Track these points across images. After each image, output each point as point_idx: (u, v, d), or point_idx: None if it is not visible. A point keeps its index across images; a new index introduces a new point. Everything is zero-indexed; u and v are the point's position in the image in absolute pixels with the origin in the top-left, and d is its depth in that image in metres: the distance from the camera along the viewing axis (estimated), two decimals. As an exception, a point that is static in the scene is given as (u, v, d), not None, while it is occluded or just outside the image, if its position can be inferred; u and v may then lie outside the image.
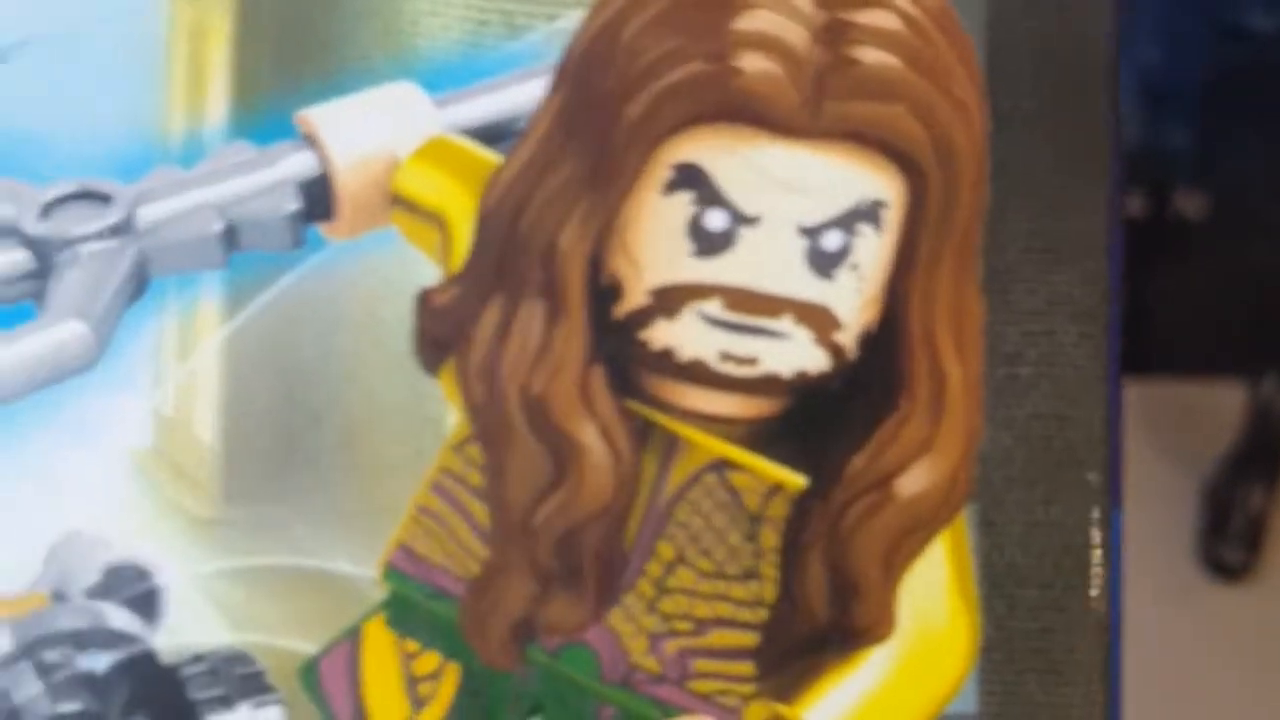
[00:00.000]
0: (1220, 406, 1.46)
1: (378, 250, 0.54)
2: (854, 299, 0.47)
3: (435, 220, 0.52)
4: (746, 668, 0.48)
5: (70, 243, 0.53)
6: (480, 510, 0.49)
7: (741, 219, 0.46)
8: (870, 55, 0.46)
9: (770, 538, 0.48)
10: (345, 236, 0.54)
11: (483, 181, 0.48)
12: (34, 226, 0.53)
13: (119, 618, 0.54)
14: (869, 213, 0.47)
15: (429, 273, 0.52)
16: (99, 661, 0.54)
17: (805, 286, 0.46)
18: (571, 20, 0.48)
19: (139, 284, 0.53)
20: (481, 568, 0.49)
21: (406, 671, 0.51)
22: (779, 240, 0.46)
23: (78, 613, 0.54)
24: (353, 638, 0.52)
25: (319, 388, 0.56)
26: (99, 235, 0.53)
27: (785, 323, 0.47)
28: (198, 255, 0.53)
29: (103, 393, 0.54)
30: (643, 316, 0.47)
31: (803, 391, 0.48)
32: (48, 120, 0.55)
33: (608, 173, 0.46)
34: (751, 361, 0.47)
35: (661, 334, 0.47)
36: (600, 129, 0.46)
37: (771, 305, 0.46)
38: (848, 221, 0.46)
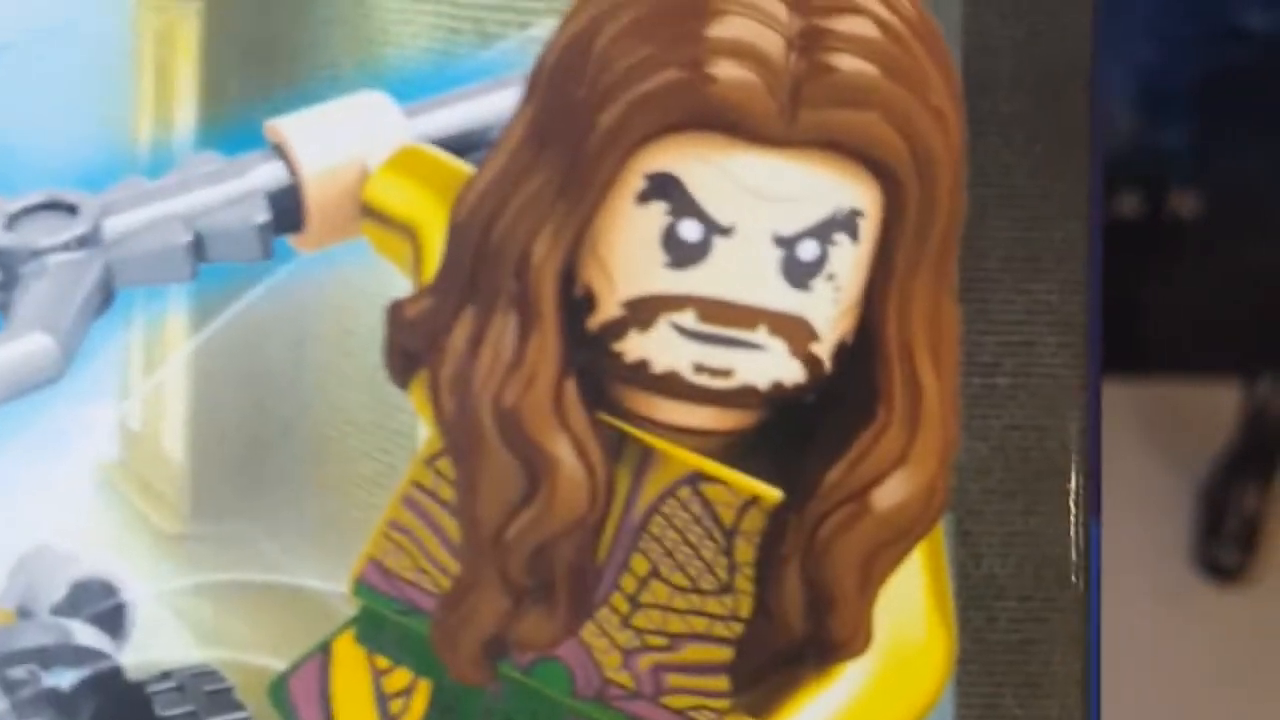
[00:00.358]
0: (1215, 407, 1.46)
1: (348, 261, 0.54)
2: (830, 309, 0.46)
3: (406, 231, 0.52)
4: (721, 683, 0.48)
5: (36, 254, 0.53)
6: (452, 525, 0.49)
7: (716, 229, 0.46)
8: (846, 63, 0.45)
9: (745, 551, 0.48)
10: (314, 248, 0.54)
11: (454, 192, 0.48)
12: (0, 237, 0.53)
13: (85, 634, 0.54)
14: (845, 222, 0.46)
15: (400, 284, 0.51)
16: (65, 678, 0.53)
17: (781, 297, 0.46)
18: (544, 28, 0.48)
19: (106, 296, 0.53)
20: (453, 583, 0.48)
21: (377, 688, 0.51)
22: (754, 250, 0.46)
23: (43, 629, 0.54)
24: (323, 654, 0.51)
25: (288, 401, 0.56)
26: (66, 246, 0.53)
27: (760, 334, 0.46)
28: (165, 267, 0.53)
29: (69, 405, 0.54)
30: (616, 328, 0.46)
31: (778, 403, 0.47)
32: (14, 130, 0.55)
33: (581, 182, 0.46)
34: (726, 373, 0.46)
35: (635, 346, 0.46)
36: (573, 138, 0.46)
37: (746, 316, 0.46)
38: (824, 231, 0.46)
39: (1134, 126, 1.41)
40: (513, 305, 0.46)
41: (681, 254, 0.46)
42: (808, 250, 0.46)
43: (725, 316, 0.46)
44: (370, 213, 0.53)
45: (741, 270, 0.46)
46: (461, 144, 0.54)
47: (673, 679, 0.48)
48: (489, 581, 0.47)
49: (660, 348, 0.46)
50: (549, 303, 0.46)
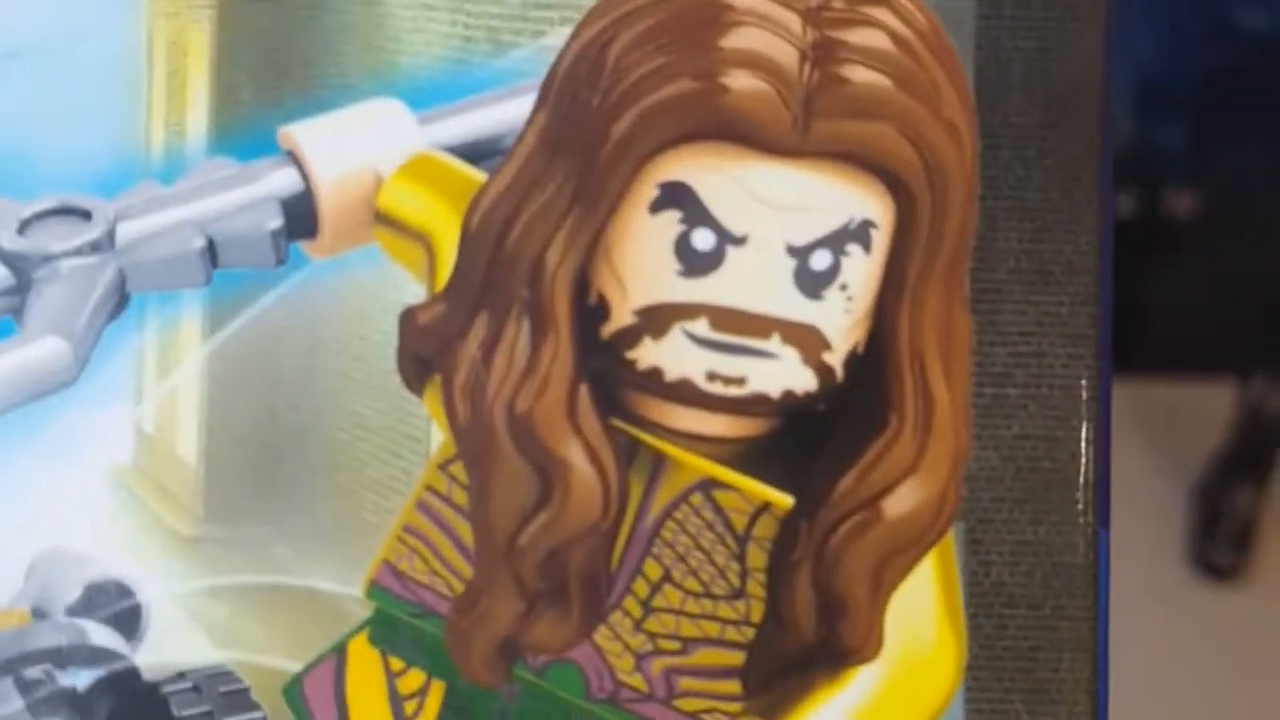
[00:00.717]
0: (1210, 406, 1.46)
1: (361, 268, 0.54)
2: (842, 319, 0.47)
3: (420, 238, 0.52)
4: (733, 687, 0.48)
5: (49, 259, 0.53)
6: (465, 529, 0.49)
7: (729, 238, 0.46)
8: (860, 74, 0.45)
9: (757, 557, 0.48)
10: (327, 254, 0.54)
11: (467, 199, 0.48)
12: (12, 242, 0.53)
13: (100, 635, 0.54)
14: (858, 233, 0.46)
15: (413, 290, 0.52)
16: (80, 679, 0.54)
17: (793, 306, 0.46)
18: (558, 37, 0.48)
19: (119, 300, 0.53)
20: (466, 586, 0.49)
21: (392, 689, 0.51)
22: (767, 260, 0.46)
23: (59, 630, 0.54)
24: (338, 655, 0.52)
25: (302, 406, 0.56)
26: (78, 251, 0.53)
27: (773, 343, 0.46)
28: (179, 272, 0.53)
29: (83, 409, 0.54)
30: (630, 336, 0.47)
31: (790, 411, 0.47)
32: (27, 136, 0.55)
33: (594, 191, 0.46)
34: (739, 381, 0.47)
35: (648, 353, 0.47)
36: (586, 147, 0.46)
37: (759, 325, 0.46)
38: (836, 241, 0.46)
39: (1130, 126, 1.41)
40: (526, 312, 0.47)
41: (694, 263, 0.46)
42: (820, 260, 0.46)
43: (738, 325, 0.46)
44: (383, 219, 0.53)
45: (754, 279, 0.46)
46: (475, 151, 0.54)
47: (685, 682, 0.49)
48: (503, 585, 0.47)
49: (673, 356, 0.47)
50: (562, 310, 0.47)
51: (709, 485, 0.48)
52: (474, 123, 0.54)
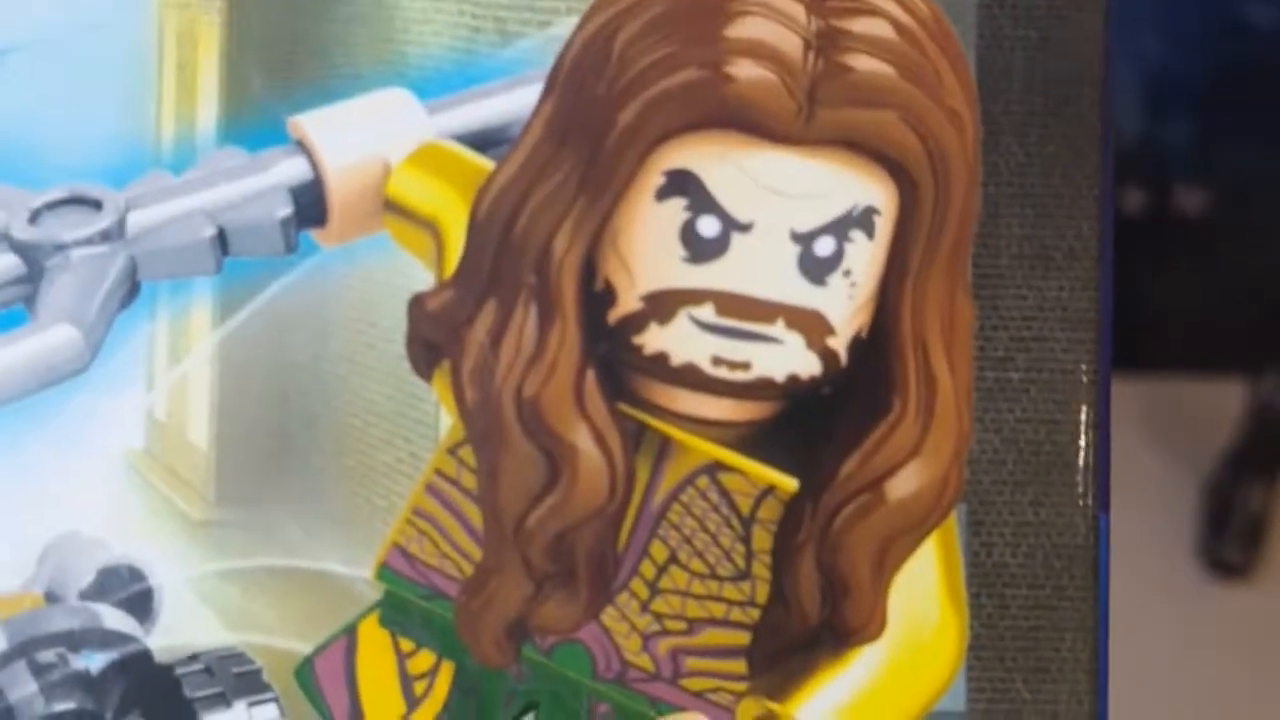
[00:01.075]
0: (1220, 404, 1.46)
1: (370, 255, 0.54)
2: (846, 304, 0.47)
3: (428, 226, 0.52)
4: (739, 666, 0.49)
5: (61, 247, 0.53)
6: (474, 512, 0.49)
7: (734, 225, 0.47)
8: (863, 63, 0.46)
9: (762, 539, 0.48)
10: (336, 242, 0.54)
11: (475, 187, 0.49)
12: (23, 231, 0.53)
13: (114, 618, 0.54)
14: (861, 219, 0.47)
15: (422, 278, 0.52)
16: (94, 661, 0.54)
17: (797, 292, 0.47)
18: (564, 27, 0.48)
19: (130, 289, 0.53)
20: (475, 568, 0.49)
21: (402, 670, 0.51)
22: (771, 246, 0.47)
23: (72, 613, 0.54)
24: (348, 637, 0.52)
25: (312, 391, 0.56)
26: (89, 240, 0.53)
27: (777, 328, 0.47)
28: (190, 260, 0.53)
29: (95, 396, 0.54)
30: (636, 321, 0.47)
31: (795, 395, 0.48)
32: (38, 126, 0.55)
33: (600, 179, 0.47)
34: (744, 366, 0.47)
35: (654, 338, 0.47)
36: (593, 135, 0.46)
37: (764, 310, 0.47)
38: (840, 228, 0.47)
39: (1139, 122, 1.41)
40: (533, 298, 0.47)
41: (700, 249, 0.47)
42: (824, 246, 0.47)
43: (743, 310, 0.47)
44: (392, 207, 0.54)
45: (759, 265, 0.47)
46: (482, 140, 0.54)
47: (691, 662, 0.49)
48: (511, 567, 0.48)
49: (679, 341, 0.47)
50: (569, 296, 0.47)
51: (714, 468, 0.48)
52: (481, 112, 0.55)
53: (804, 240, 0.47)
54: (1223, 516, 1.42)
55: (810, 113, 0.46)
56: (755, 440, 0.48)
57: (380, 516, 0.52)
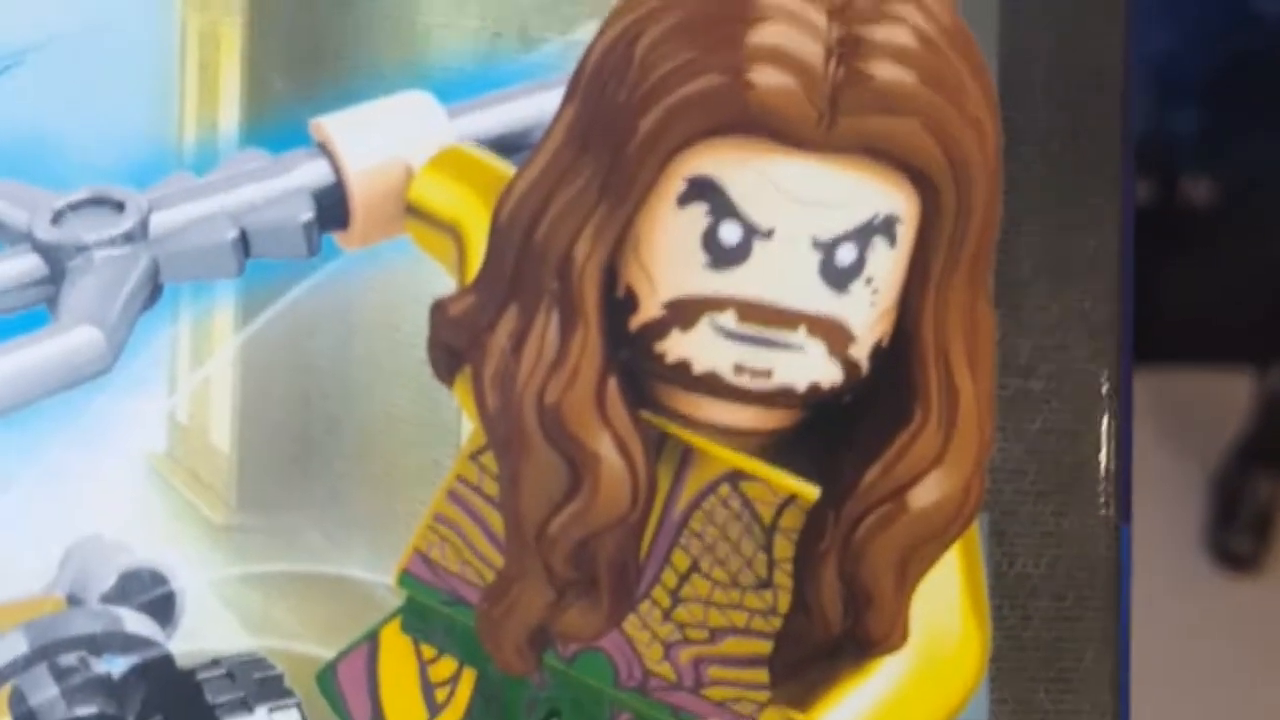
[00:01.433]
0: (1228, 396, 1.46)
1: (393, 259, 0.55)
2: (868, 312, 0.47)
3: (450, 230, 0.53)
4: (760, 675, 0.49)
5: (83, 249, 0.53)
6: (496, 518, 0.49)
7: (756, 232, 0.47)
8: (884, 70, 0.46)
9: (784, 548, 0.48)
10: (358, 245, 0.54)
11: (497, 192, 0.49)
12: (46, 232, 0.54)
13: (135, 622, 0.54)
14: (883, 227, 0.47)
15: (444, 282, 0.52)
16: (115, 665, 0.54)
17: (819, 300, 0.47)
18: (586, 32, 0.48)
19: (153, 290, 0.54)
20: (497, 575, 0.49)
21: (423, 676, 0.52)
22: (793, 253, 0.47)
23: (94, 617, 0.54)
24: (370, 643, 0.52)
25: (334, 395, 0.56)
26: (112, 242, 0.53)
27: (799, 335, 0.47)
28: (212, 262, 0.54)
29: (117, 398, 0.54)
30: (658, 328, 0.47)
31: (816, 404, 0.48)
32: (61, 127, 0.55)
33: (622, 185, 0.47)
34: (766, 374, 0.47)
35: (676, 346, 0.47)
36: (615, 141, 0.46)
37: (785, 318, 0.47)
38: (862, 236, 0.47)
39: (1147, 114, 1.40)
40: (555, 304, 0.47)
41: (722, 256, 0.47)
42: (846, 254, 0.47)
43: (765, 318, 0.47)
44: (414, 211, 0.54)
45: (781, 273, 0.47)
46: (504, 145, 0.54)
47: (713, 671, 0.49)
48: (533, 574, 0.48)
49: (701, 348, 0.47)
50: (591, 302, 0.47)
51: (736, 477, 0.49)
52: (503, 116, 0.55)
53: (826, 248, 0.47)
54: (1231, 508, 1.42)
55: (832, 120, 0.46)
56: (777, 449, 0.48)
57: (402, 522, 0.52)
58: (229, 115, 0.57)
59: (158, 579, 0.55)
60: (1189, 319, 1.43)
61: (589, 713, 0.50)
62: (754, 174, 0.46)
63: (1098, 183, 0.54)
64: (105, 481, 0.55)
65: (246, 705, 0.53)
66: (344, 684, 0.52)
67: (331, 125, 0.54)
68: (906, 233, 0.47)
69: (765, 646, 0.49)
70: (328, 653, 0.52)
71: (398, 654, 0.52)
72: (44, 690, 0.54)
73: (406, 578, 0.51)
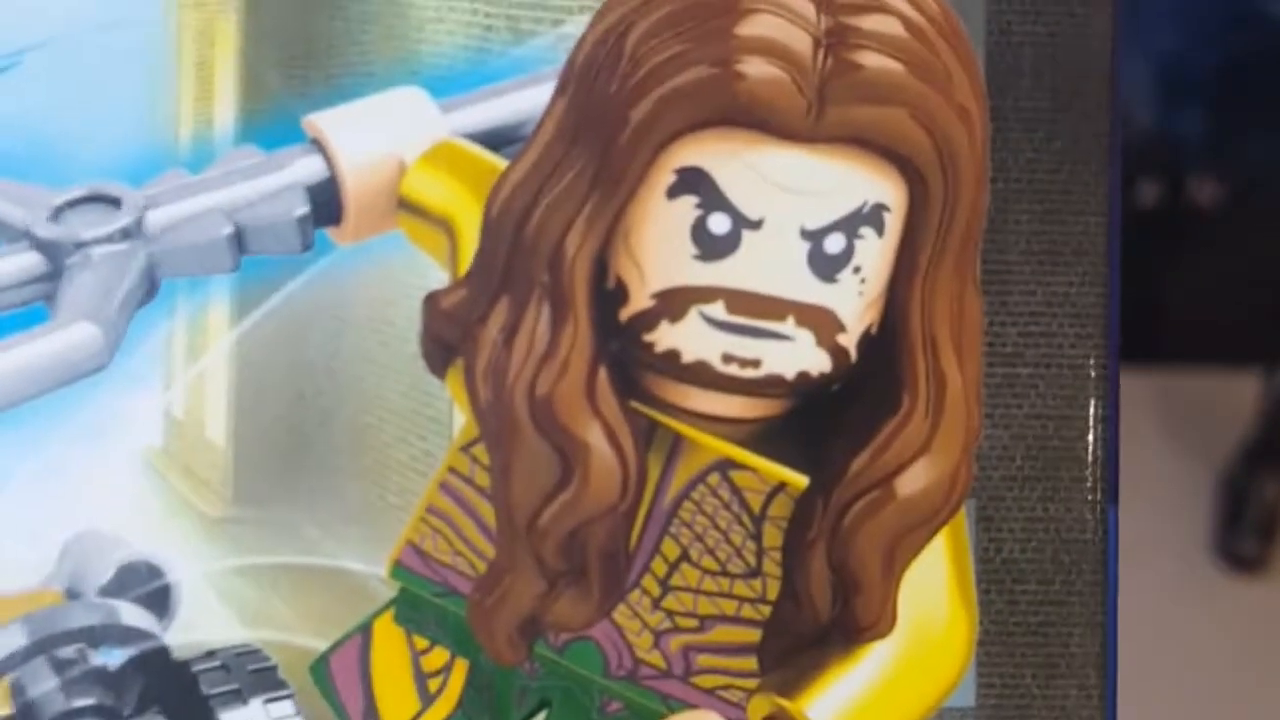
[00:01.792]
0: (1234, 397, 1.46)
1: (385, 254, 0.55)
2: (856, 301, 0.47)
3: (442, 224, 0.53)
4: (750, 663, 0.49)
5: (80, 245, 0.54)
6: (487, 510, 0.50)
7: (744, 222, 0.47)
8: (873, 60, 0.46)
9: (773, 536, 0.49)
10: (352, 240, 0.55)
11: (489, 185, 0.49)
12: (44, 229, 0.54)
13: (132, 614, 0.55)
14: (871, 216, 0.47)
15: (436, 276, 0.52)
16: (112, 657, 0.54)
17: (808, 289, 0.47)
18: (576, 25, 0.49)
19: (149, 287, 0.54)
20: (489, 566, 0.49)
21: (416, 667, 0.52)
22: (782, 243, 0.47)
23: (91, 609, 0.55)
24: (363, 634, 0.52)
25: (327, 389, 0.57)
26: (109, 238, 0.54)
27: (788, 325, 0.47)
28: (207, 258, 0.54)
29: (114, 393, 0.55)
30: (647, 319, 0.47)
31: (805, 392, 0.48)
32: (57, 125, 0.56)
33: (612, 177, 0.47)
34: (754, 363, 0.47)
35: (666, 336, 0.47)
36: (605, 133, 0.47)
37: (774, 307, 0.47)
38: (850, 225, 0.47)
39: (1153, 114, 1.40)
40: (546, 297, 0.47)
41: (711, 247, 0.47)
42: (834, 243, 0.47)
43: (754, 308, 0.47)
44: (407, 206, 0.54)
45: (769, 263, 0.47)
46: (495, 139, 0.54)
47: (702, 659, 0.49)
48: (524, 565, 0.48)
49: (690, 338, 0.47)
50: (581, 294, 0.47)
51: (725, 465, 0.49)
52: (495, 110, 0.55)
53: (814, 237, 0.47)
54: (1237, 509, 1.42)
55: (820, 110, 0.46)
56: (766, 437, 0.49)
57: (395, 514, 0.52)
58: (224, 112, 0.57)
59: (155, 572, 0.55)
60: (1195, 320, 1.43)
61: (579, 702, 0.50)
62: (743, 165, 0.47)
63: (1085, 169, 0.55)
64: (102, 476, 0.56)
65: (241, 697, 0.54)
66: (337, 675, 0.52)
67: (325, 121, 0.54)
68: (894, 221, 0.47)
69: (754, 634, 0.49)
70: (322, 644, 0.53)
71: (390, 645, 0.52)
72: (43, 682, 0.54)
73: (399, 569, 0.51)
